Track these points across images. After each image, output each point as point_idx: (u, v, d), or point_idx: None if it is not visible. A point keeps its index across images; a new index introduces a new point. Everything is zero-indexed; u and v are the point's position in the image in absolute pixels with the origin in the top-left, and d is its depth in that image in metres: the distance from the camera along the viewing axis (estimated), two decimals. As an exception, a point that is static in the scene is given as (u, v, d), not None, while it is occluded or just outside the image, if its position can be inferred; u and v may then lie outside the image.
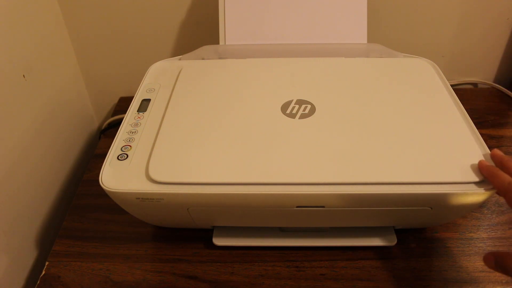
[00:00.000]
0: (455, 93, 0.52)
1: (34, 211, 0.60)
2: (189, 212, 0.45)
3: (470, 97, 0.79)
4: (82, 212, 0.58)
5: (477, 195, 0.41)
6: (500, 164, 0.41)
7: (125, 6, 0.72)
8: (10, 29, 0.56)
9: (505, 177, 0.38)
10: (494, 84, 0.82)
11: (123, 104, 0.81)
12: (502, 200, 0.57)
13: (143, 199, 0.42)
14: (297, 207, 0.43)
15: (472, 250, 0.51)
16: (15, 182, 0.55)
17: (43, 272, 0.50)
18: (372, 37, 0.63)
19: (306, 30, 0.61)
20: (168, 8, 0.72)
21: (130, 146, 0.46)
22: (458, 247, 0.51)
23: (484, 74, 0.84)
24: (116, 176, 0.43)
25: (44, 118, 0.64)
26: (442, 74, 0.55)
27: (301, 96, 0.50)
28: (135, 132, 0.47)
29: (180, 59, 0.61)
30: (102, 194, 0.43)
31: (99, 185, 0.42)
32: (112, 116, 0.78)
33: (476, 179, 0.41)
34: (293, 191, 0.41)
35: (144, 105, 0.51)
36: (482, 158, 0.42)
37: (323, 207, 0.43)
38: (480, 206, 0.56)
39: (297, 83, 0.53)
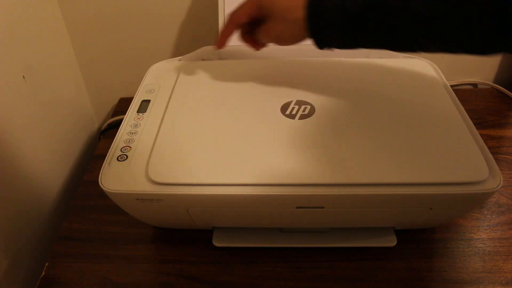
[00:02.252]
0: (455, 93, 0.52)
1: (34, 211, 0.60)
2: (189, 213, 0.45)
3: (470, 97, 0.79)
4: (82, 213, 0.58)
5: (477, 195, 0.41)
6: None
7: (125, 7, 0.72)
8: (10, 30, 0.56)
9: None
10: (494, 84, 0.82)
11: (123, 105, 0.81)
12: (502, 200, 0.57)
13: (143, 200, 0.42)
14: (297, 207, 0.43)
15: (472, 251, 0.51)
16: (15, 182, 0.56)
17: (43, 273, 0.50)
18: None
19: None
20: (168, 9, 0.72)
21: (130, 147, 0.46)
22: (458, 247, 0.51)
23: (484, 74, 0.84)
24: (116, 177, 0.43)
25: (43, 119, 0.64)
26: (442, 75, 0.55)
27: (300, 97, 0.50)
28: (134, 133, 0.47)
29: (180, 60, 0.61)
30: (102, 195, 0.43)
31: (99, 186, 0.42)
32: (112, 117, 0.78)
33: (476, 179, 0.41)
34: (292, 192, 0.41)
35: (144, 106, 0.51)
36: (481, 158, 0.42)
37: (323, 207, 0.43)
38: (480, 206, 0.56)
39: (297, 84, 0.53)
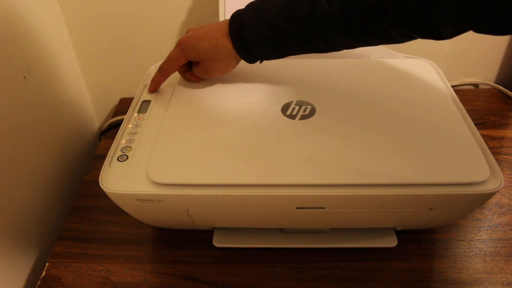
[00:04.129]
0: (456, 93, 0.52)
1: (35, 212, 0.60)
2: (189, 213, 0.45)
3: (471, 97, 0.79)
4: (82, 213, 0.58)
5: (478, 196, 0.41)
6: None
7: (125, 7, 0.72)
8: (10, 30, 0.56)
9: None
10: (495, 84, 0.82)
11: (123, 105, 0.81)
12: (503, 201, 0.57)
13: (143, 201, 0.42)
14: (297, 208, 0.43)
15: (473, 252, 0.51)
16: (16, 182, 0.55)
17: (43, 273, 0.50)
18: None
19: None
20: (168, 9, 0.72)
21: (130, 147, 0.46)
22: (459, 248, 0.51)
23: (485, 74, 0.84)
24: (116, 177, 0.43)
25: (44, 119, 0.64)
26: (443, 75, 0.55)
27: (301, 97, 0.50)
28: (135, 133, 0.47)
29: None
30: (102, 195, 0.43)
31: (99, 186, 0.42)
32: (113, 117, 0.78)
33: (477, 180, 0.41)
34: (293, 193, 0.41)
35: (145, 106, 0.51)
36: (482, 159, 0.42)
37: (323, 208, 0.43)
38: (481, 207, 0.56)
39: (298, 84, 0.53)
